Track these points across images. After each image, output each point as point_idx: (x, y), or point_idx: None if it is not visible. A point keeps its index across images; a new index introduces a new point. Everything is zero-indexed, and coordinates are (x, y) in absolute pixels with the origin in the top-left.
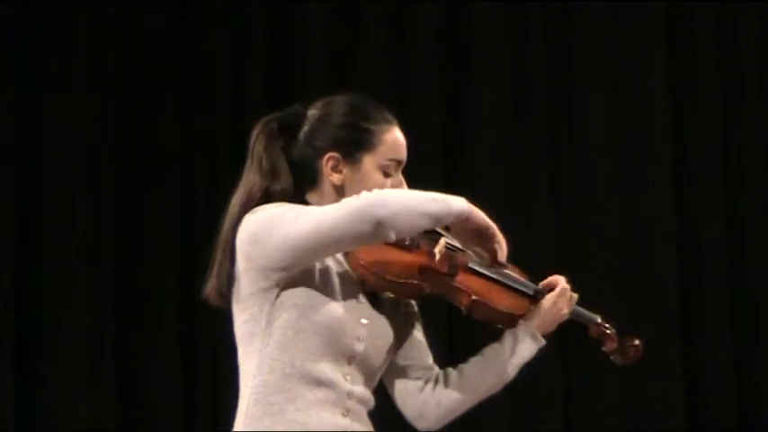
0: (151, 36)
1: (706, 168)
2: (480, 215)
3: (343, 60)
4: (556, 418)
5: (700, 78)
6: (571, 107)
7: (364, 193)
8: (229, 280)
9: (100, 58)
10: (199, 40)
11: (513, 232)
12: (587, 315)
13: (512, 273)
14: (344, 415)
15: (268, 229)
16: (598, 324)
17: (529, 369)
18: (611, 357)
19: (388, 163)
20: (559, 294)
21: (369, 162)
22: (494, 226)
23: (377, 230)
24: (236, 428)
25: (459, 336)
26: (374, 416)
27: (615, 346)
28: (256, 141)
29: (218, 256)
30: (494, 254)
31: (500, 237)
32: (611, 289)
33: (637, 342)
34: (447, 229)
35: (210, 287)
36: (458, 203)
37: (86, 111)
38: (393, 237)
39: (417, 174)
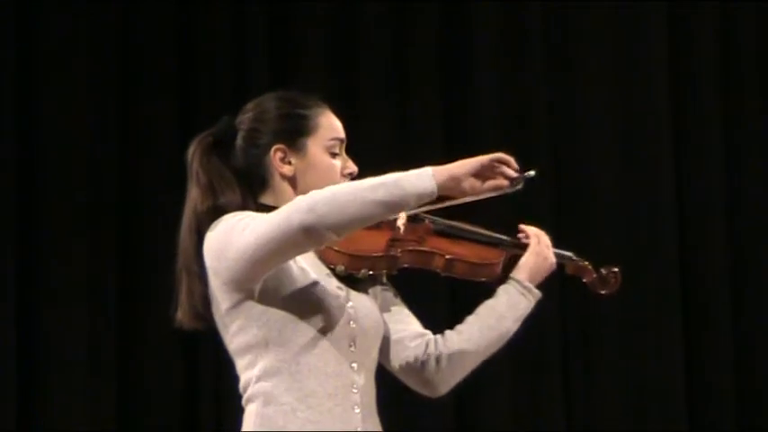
0: (151, 37)
1: (706, 168)
2: (460, 167)
3: (343, 61)
4: (557, 418)
5: (700, 78)
6: (571, 107)
7: (297, 199)
8: (206, 299)
9: (100, 59)
10: (199, 40)
11: (513, 231)
12: (561, 254)
13: (480, 229)
14: (355, 408)
15: (225, 243)
16: (573, 260)
17: (529, 369)
18: (594, 290)
19: (331, 143)
20: (539, 242)
21: (313, 146)
22: (481, 160)
23: (310, 236)
24: (247, 427)
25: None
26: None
27: (595, 276)
28: (192, 160)
29: (184, 278)
30: (510, 177)
31: (497, 158)
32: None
33: (615, 269)
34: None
35: (182, 312)
36: (418, 181)
37: (86, 114)
38: (335, 236)
39: None
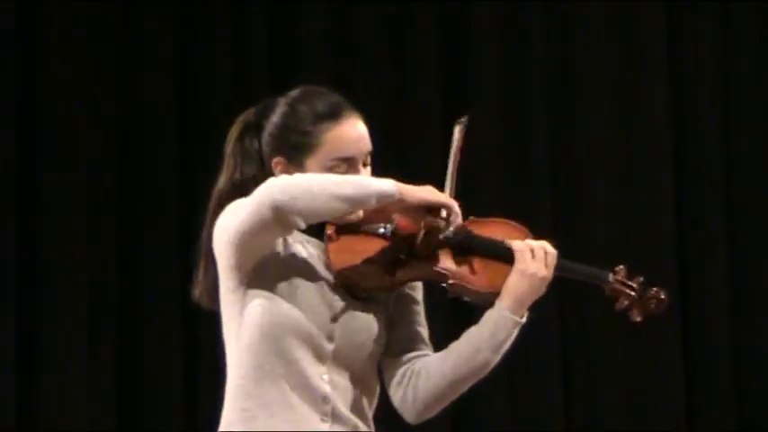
0: (150, 39)
1: (706, 169)
2: (413, 192)
3: (342, 62)
4: (556, 420)
5: (700, 78)
6: (571, 109)
7: (270, 180)
8: (215, 280)
9: (99, 60)
10: (199, 41)
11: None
12: (591, 272)
13: (485, 234)
14: (324, 420)
15: (221, 228)
16: (608, 282)
17: (528, 369)
18: (628, 314)
19: (332, 164)
20: (530, 257)
21: (312, 165)
22: (430, 197)
23: (277, 216)
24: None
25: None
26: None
27: (633, 297)
28: (228, 142)
29: (201, 258)
30: (448, 225)
31: (447, 204)
32: None
33: (662, 296)
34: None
35: (199, 291)
36: (380, 184)
37: (86, 117)
38: (300, 222)
39: (416, 174)
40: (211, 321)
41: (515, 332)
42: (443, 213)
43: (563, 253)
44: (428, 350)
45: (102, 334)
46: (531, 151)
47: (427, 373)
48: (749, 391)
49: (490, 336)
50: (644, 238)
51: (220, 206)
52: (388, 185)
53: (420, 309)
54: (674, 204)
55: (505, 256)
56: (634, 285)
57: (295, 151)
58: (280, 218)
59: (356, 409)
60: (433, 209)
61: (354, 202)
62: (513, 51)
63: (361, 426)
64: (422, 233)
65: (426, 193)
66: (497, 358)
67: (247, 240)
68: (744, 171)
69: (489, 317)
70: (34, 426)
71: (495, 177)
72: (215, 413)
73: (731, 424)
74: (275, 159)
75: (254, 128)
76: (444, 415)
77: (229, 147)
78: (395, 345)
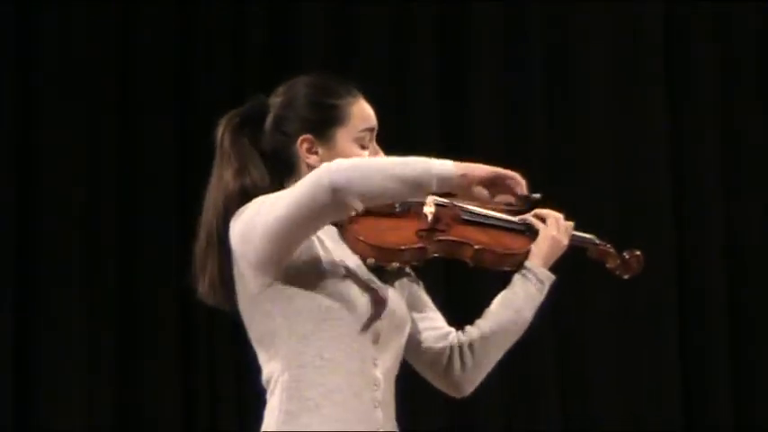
0: (151, 39)
1: (704, 169)
2: (477, 169)
3: (341, 63)
4: (553, 418)
5: (698, 78)
6: (570, 109)
7: (325, 164)
8: (227, 279)
9: (98, 62)
10: (198, 41)
11: None
12: (584, 237)
13: (503, 215)
14: (376, 407)
15: (252, 224)
16: (596, 244)
17: (526, 368)
18: (617, 273)
19: (361, 134)
20: (553, 226)
21: (343, 137)
22: (496, 170)
23: (335, 198)
24: (269, 426)
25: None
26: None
27: (618, 261)
28: (223, 138)
29: (209, 254)
30: (516, 196)
31: (509, 175)
32: (608, 283)
33: (637, 252)
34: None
35: (206, 287)
36: (441, 165)
37: (84, 118)
38: (358, 204)
39: None
40: (209, 322)
41: (547, 290)
42: (509, 185)
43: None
44: (447, 325)
45: (101, 336)
46: (529, 153)
47: (473, 342)
48: (746, 394)
49: (528, 296)
50: (644, 236)
51: (227, 207)
52: (447, 167)
53: (425, 293)
54: (671, 206)
55: (517, 230)
56: (611, 246)
57: (325, 125)
58: (337, 200)
59: (391, 394)
60: (495, 186)
61: (414, 183)
62: (512, 52)
63: (392, 412)
64: (433, 208)
65: (484, 169)
66: (531, 317)
67: (293, 230)
68: (741, 173)
69: (522, 279)
70: (31, 424)
71: None
72: (213, 414)
73: (728, 427)
74: (302, 137)
75: (246, 125)
76: (439, 415)
77: (227, 146)
78: (423, 326)
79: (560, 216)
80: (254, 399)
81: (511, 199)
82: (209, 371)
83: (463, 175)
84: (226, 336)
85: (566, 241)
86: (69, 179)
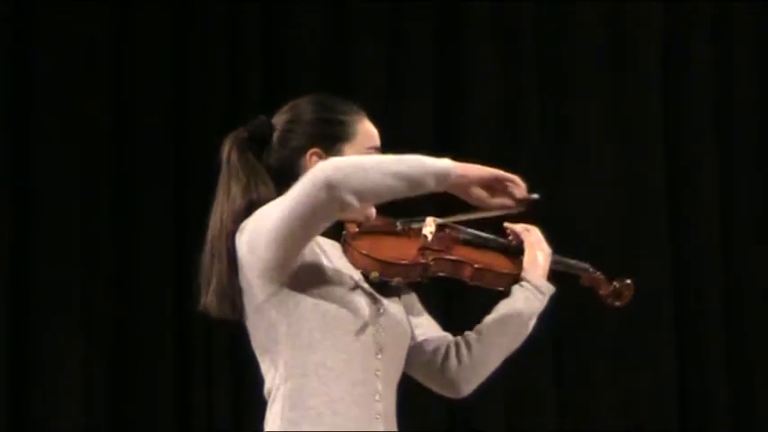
0: (147, 40)
1: (702, 170)
2: (474, 169)
3: (339, 65)
4: (550, 419)
5: (697, 78)
6: (566, 110)
7: (321, 162)
8: (232, 291)
9: (96, 62)
10: (195, 43)
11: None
12: (577, 265)
13: (499, 238)
14: (377, 419)
15: (257, 232)
16: (589, 272)
17: (523, 368)
18: (608, 301)
19: (368, 152)
20: (533, 236)
21: (349, 153)
22: (495, 172)
23: (332, 195)
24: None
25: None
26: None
27: (611, 288)
28: (230, 154)
29: (214, 266)
30: (515, 198)
31: (508, 178)
32: None
33: (628, 281)
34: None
35: (211, 299)
36: (439, 163)
37: (81, 119)
38: (355, 201)
39: None
40: (206, 324)
41: (547, 301)
42: (507, 187)
43: (555, 249)
44: (445, 333)
45: (96, 343)
46: (527, 154)
47: (472, 345)
48: (743, 398)
49: (528, 306)
50: (636, 243)
51: (243, 219)
52: (444, 164)
53: (419, 302)
54: (667, 206)
55: (511, 251)
56: (603, 275)
57: (333, 140)
58: (333, 197)
59: (393, 406)
60: (493, 188)
61: (411, 180)
62: (508, 50)
63: (394, 426)
64: (433, 228)
65: (483, 170)
66: (532, 326)
67: (294, 228)
68: (740, 174)
69: (522, 289)
70: (26, 421)
71: None
72: (211, 415)
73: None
74: (311, 150)
75: (252, 142)
76: (437, 417)
77: (234, 161)
78: (417, 333)
79: (531, 226)
80: (252, 412)
81: (508, 201)
82: (206, 385)
83: (462, 175)
84: (223, 348)
85: (548, 248)
86: (65, 186)
